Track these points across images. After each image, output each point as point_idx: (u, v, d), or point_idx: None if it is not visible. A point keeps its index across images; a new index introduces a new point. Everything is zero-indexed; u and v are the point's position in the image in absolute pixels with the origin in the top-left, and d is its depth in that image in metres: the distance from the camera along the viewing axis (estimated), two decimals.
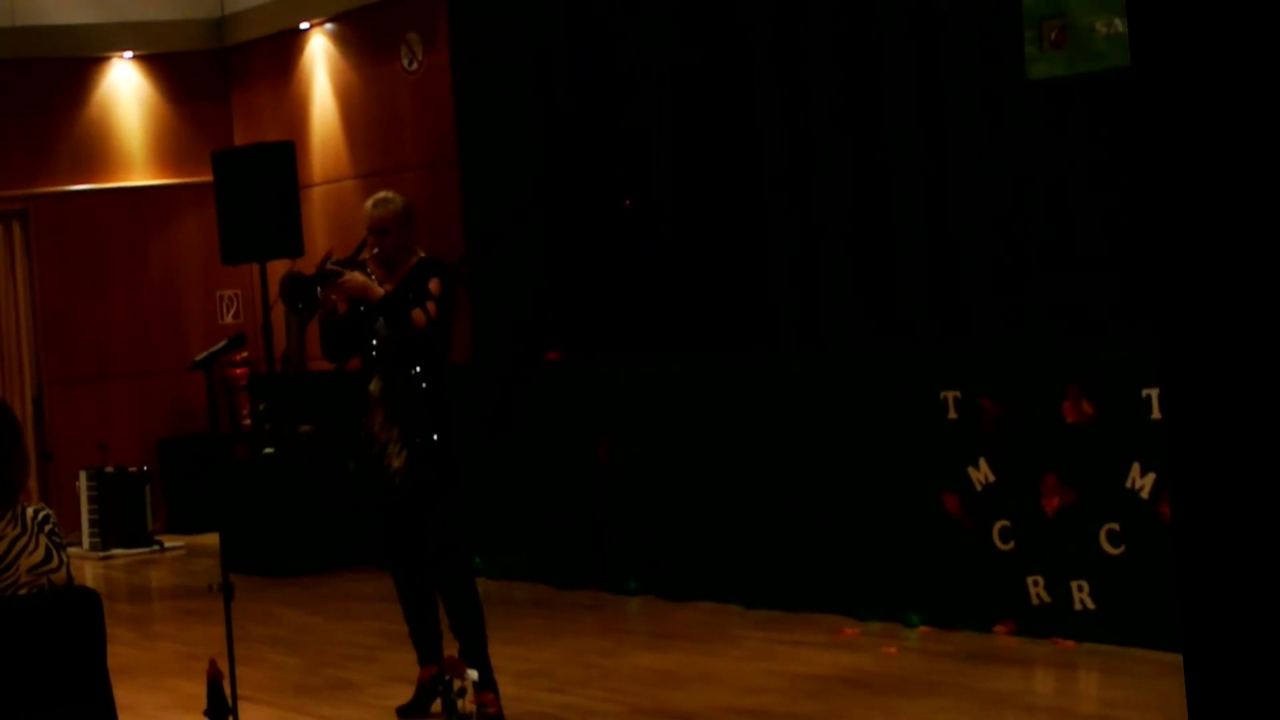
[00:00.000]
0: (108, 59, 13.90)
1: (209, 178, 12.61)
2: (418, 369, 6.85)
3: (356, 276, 6.91)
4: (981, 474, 7.88)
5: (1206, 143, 2.47)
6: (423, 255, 7.12)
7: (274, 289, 12.04)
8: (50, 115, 13.75)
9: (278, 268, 12.17)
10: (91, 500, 12.87)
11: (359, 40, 12.91)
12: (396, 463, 6.87)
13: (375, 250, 7.05)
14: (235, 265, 12.53)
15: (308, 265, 12.47)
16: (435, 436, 6.83)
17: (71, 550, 6.04)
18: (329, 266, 6.94)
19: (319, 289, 6.95)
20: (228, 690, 6.61)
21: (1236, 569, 2.47)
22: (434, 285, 6.86)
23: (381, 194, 7.16)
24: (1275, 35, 2.37)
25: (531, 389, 10.37)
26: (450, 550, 6.95)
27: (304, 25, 13.32)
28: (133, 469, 12.90)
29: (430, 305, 6.78)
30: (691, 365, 9.53)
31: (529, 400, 10.34)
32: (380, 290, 6.88)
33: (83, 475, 12.93)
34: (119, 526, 12.80)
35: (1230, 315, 2.45)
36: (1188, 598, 2.54)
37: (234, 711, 6.58)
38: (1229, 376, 2.47)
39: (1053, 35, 8.20)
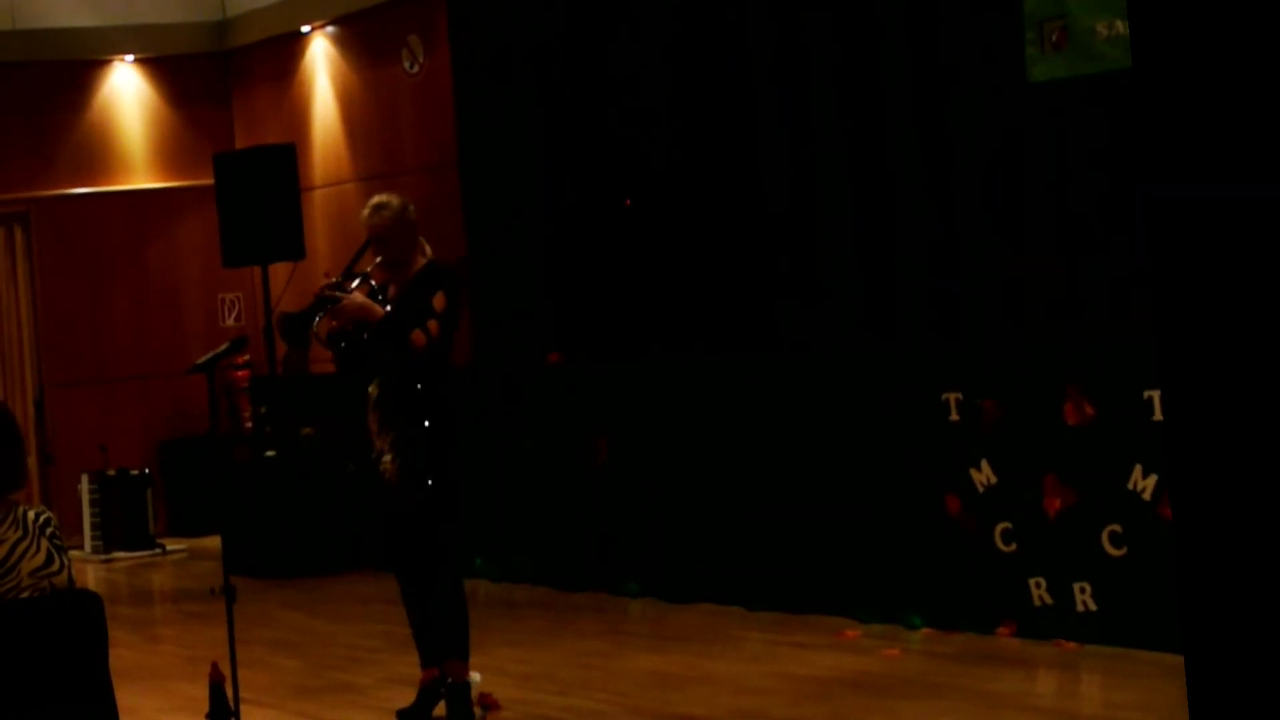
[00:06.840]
0: (109, 62, 13.91)
1: (210, 180, 12.60)
2: (417, 375, 6.82)
3: (354, 299, 6.84)
4: (983, 475, 7.88)
5: (1206, 144, 2.47)
6: (429, 257, 7.04)
7: (276, 291, 12.06)
8: (51, 118, 13.76)
9: (280, 270, 12.18)
10: (93, 503, 12.87)
11: (360, 43, 12.92)
12: (391, 468, 6.86)
13: (379, 259, 7.00)
14: (236, 268, 12.54)
15: (306, 269, 12.53)
16: (427, 442, 6.79)
17: (73, 553, 6.03)
18: (325, 291, 6.88)
19: (316, 319, 6.89)
20: (229, 693, 6.61)
21: (1237, 571, 2.47)
22: (438, 301, 6.78)
23: (377, 199, 7.01)
24: (1275, 35, 2.37)
25: (532, 391, 10.37)
26: (441, 555, 6.93)
27: (305, 28, 13.32)
28: (134, 472, 12.91)
29: (432, 324, 6.73)
30: (692, 367, 9.52)
31: (530, 402, 10.33)
32: (380, 311, 6.82)
33: (84, 478, 12.93)
34: (120, 529, 12.80)
35: (1230, 316, 2.45)
36: (1189, 600, 2.54)
37: (236, 714, 6.58)
38: (1229, 378, 2.47)
39: (1054, 37, 8.20)
